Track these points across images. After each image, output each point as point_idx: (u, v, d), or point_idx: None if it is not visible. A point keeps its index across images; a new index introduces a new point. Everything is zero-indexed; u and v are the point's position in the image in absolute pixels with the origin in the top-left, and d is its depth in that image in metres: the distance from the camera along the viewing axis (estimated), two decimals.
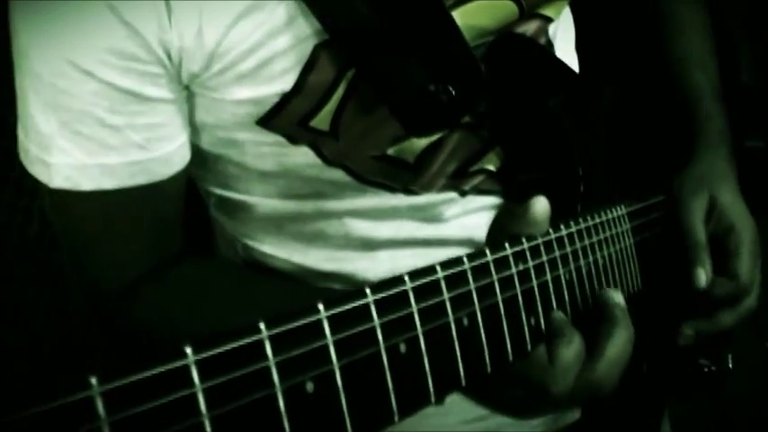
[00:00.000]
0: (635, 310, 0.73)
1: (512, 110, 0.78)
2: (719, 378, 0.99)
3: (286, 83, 0.69)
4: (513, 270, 0.60)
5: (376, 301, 0.46)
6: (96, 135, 0.68)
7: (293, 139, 0.74)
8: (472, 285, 0.55)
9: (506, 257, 0.60)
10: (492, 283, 0.58)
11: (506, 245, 0.61)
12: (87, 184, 0.70)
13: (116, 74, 0.65)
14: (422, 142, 0.78)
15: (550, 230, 0.67)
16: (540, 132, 0.80)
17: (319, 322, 0.43)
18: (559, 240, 0.68)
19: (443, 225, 0.85)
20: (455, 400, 0.86)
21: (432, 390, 0.50)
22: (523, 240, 0.63)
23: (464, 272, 0.55)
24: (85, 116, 0.67)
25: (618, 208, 0.82)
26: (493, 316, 0.57)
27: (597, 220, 0.76)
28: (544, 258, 0.65)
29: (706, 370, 0.98)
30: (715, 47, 1.03)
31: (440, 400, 0.51)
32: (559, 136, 0.80)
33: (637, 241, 0.85)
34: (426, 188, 0.82)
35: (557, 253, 0.67)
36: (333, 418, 0.43)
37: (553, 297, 0.66)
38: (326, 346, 0.43)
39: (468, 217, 0.85)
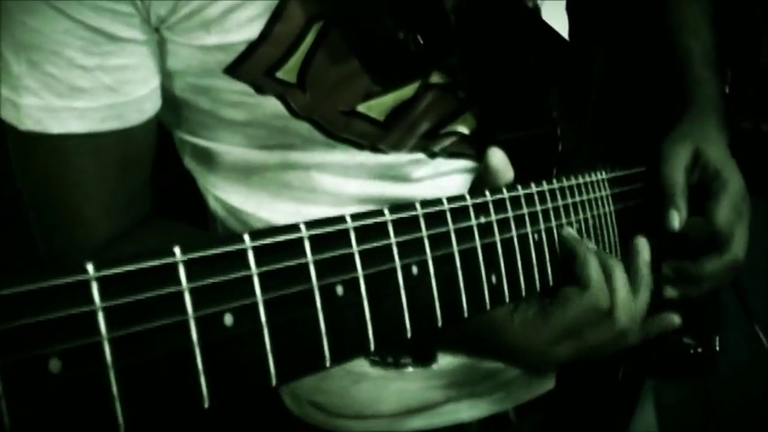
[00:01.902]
0: None
1: (487, 68, 0.79)
2: (705, 360, 0.98)
3: (252, 31, 0.71)
4: (473, 222, 0.59)
5: (311, 237, 0.45)
6: (67, 76, 0.69)
7: (260, 90, 0.75)
8: (424, 232, 0.54)
9: (466, 208, 0.59)
10: (448, 232, 0.56)
11: (466, 195, 0.60)
12: (56, 127, 0.70)
13: (88, 12, 0.66)
14: (392, 100, 0.78)
15: (519, 187, 0.67)
16: (517, 91, 0.80)
17: (243, 252, 0.42)
18: (528, 197, 0.67)
19: (413, 185, 0.85)
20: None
21: (371, 338, 0.49)
22: (486, 193, 0.62)
23: (416, 217, 0.54)
24: (56, 56, 0.68)
25: (598, 172, 0.82)
26: (447, 268, 0.56)
27: (573, 182, 0.75)
28: (509, 214, 0.64)
29: (691, 351, 0.98)
30: (712, 17, 1.03)
31: (380, 348, 0.50)
32: (537, 95, 0.80)
33: (618, 209, 0.85)
34: (395, 147, 0.82)
35: (524, 210, 0.66)
36: (253, 356, 0.42)
37: (519, 257, 0.65)
38: (250, 278, 0.42)
39: (440, 179, 0.86)
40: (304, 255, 0.45)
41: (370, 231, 0.50)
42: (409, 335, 0.52)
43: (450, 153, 0.85)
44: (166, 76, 0.76)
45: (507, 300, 0.63)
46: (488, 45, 0.79)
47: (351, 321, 0.48)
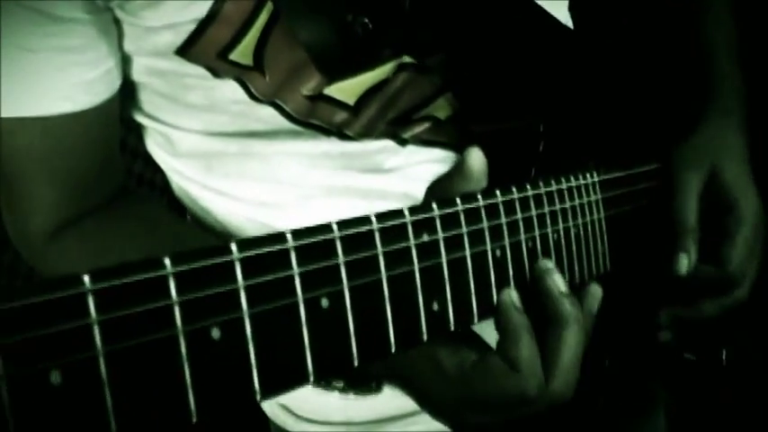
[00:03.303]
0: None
1: (469, 51, 0.83)
2: (709, 374, 1.04)
3: (200, 10, 0.77)
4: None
5: (297, 248, 0.51)
6: (13, 59, 0.75)
7: (216, 73, 0.82)
8: (412, 242, 0.60)
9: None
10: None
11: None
12: (4, 110, 0.77)
13: None
14: (366, 81, 0.84)
15: (498, 193, 0.69)
16: (500, 77, 0.84)
17: (231, 264, 0.48)
18: (490, 209, 0.68)
19: (383, 176, 0.92)
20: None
21: (355, 353, 0.55)
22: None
23: (405, 225, 0.60)
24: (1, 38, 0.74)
25: (588, 174, 0.84)
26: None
27: (553, 187, 0.77)
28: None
29: (693, 365, 1.03)
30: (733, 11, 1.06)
31: (364, 364, 0.56)
32: (523, 84, 0.84)
33: (609, 215, 0.87)
34: (363, 134, 0.89)
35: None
36: (239, 370, 0.48)
37: (493, 275, 0.68)
38: (237, 291, 0.47)
39: (413, 169, 0.92)
40: (290, 267, 0.51)
41: (358, 241, 0.56)
42: (393, 349, 0.58)
43: (424, 141, 0.91)
44: (124, 57, 0.82)
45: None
46: (472, 26, 0.83)
47: (335, 336, 0.54)
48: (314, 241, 0.53)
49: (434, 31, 0.82)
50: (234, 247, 0.48)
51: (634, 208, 0.93)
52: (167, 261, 0.45)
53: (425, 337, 0.62)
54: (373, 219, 0.58)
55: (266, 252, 0.50)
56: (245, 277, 0.48)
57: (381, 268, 0.57)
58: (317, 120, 0.87)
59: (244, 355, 0.48)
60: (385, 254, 0.58)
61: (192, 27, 0.78)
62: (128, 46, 0.82)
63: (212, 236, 0.95)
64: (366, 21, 0.74)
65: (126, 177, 1.03)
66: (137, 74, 0.85)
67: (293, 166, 0.91)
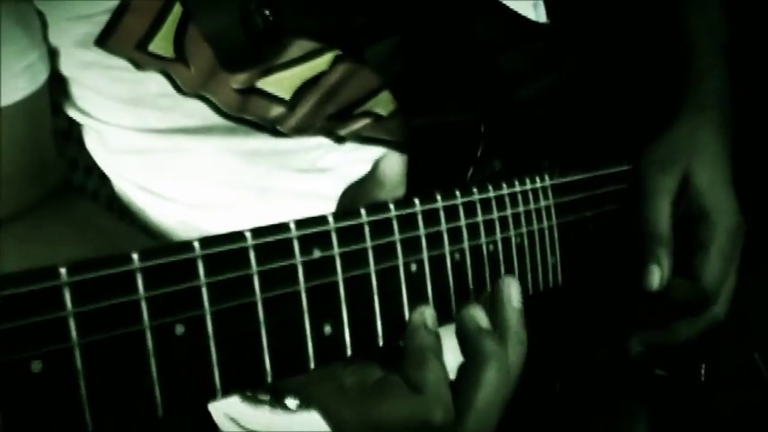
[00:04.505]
0: (546, 312, 0.82)
1: (413, 41, 0.87)
2: (685, 391, 1.09)
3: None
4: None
5: (256, 246, 0.59)
6: None
7: (139, 65, 0.89)
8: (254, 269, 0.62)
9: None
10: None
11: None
12: None
13: None
14: (303, 73, 0.91)
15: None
16: (445, 70, 0.88)
17: (194, 261, 0.55)
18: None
19: (319, 176, 0.99)
20: None
21: (311, 355, 0.63)
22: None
23: (361, 225, 0.67)
24: None
25: (539, 177, 0.86)
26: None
27: (492, 193, 0.79)
28: (396, 237, 0.69)
29: (665, 383, 1.07)
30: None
31: (320, 366, 0.63)
32: (469, 76, 0.87)
33: (563, 223, 0.89)
34: (299, 130, 0.95)
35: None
36: (201, 367, 0.55)
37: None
38: (199, 289, 0.55)
39: (351, 168, 0.97)
40: (249, 265, 0.59)
41: (315, 241, 0.63)
42: (349, 353, 0.66)
43: (364, 138, 0.97)
44: (52, 50, 0.89)
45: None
46: (410, 14, 0.88)
47: (292, 337, 0.61)
48: (272, 240, 0.61)
49: (367, 21, 0.86)
50: (196, 244, 0.56)
51: (597, 214, 0.95)
52: (135, 256, 0.53)
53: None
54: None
55: (227, 250, 0.58)
56: (206, 274, 0.56)
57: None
58: (250, 115, 0.93)
59: (205, 353, 0.56)
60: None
61: (107, 17, 0.85)
62: (53, 38, 0.88)
63: (149, 238, 1.02)
64: (267, 12, 0.79)
65: (70, 173, 1.11)
66: (65, 67, 0.92)
67: (226, 165, 0.98)
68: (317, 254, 0.63)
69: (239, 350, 0.58)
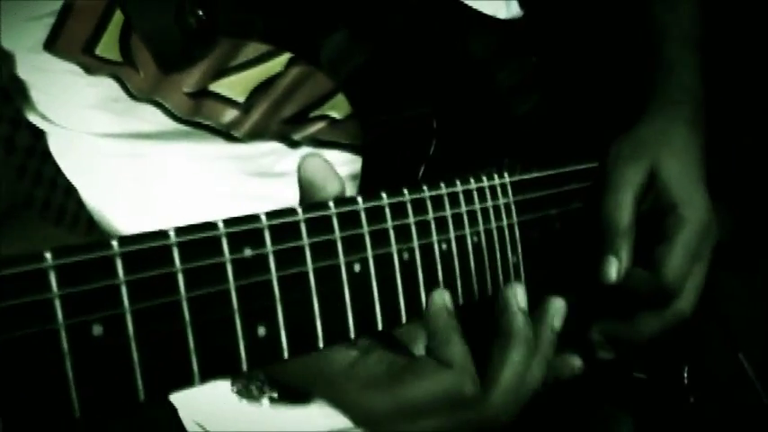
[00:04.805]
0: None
1: (366, 41, 0.87)
2: (666, 394, 1.08)
3: (56, 2, 0.85)
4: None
5: (180, 244, 0.58)
6: None
7: (88, 69, 0.90)
8: (306, 241, 0.66)
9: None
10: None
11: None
12: None
13: None
14: (257, 76, 0.91)
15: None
16: (398, 69, 0.87)
17: (112, 259, 0.54)
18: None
19: (275, 181, 0.98)
20: None
21: (243, 356, 0.61)
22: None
23: (297, 223, 0.66)
24: None
25: (496, 175, 0.84)
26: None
27: (444, 191, 0.78)
28: (336, 235, 0.68)
29: (645, 386, 1.07)
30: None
31: (252, 369, 0.62)
32: (417, 75, 0.87)
33: (524, 221, 0.87)
34: (254, 134, 0.96)
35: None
36: (122, 370, 0.54)
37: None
38: (118, 287, 0.54)
39: None
40: (172, 263, 0.58)
41: (246, 238, 0.62)
42: (286, 356, 0.64)
43: (320, 142, 0.98)
44: (7, 54, 0.90)
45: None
46: (370, 11, 0.87)
47: (220, 338, 0.60)
48: (198, 238, 0.60)
49: (316, 21, 0.86)
50: (114, 242, 0.55)
51: (563, 212, 0.95)
52: (48, 255, 0.52)
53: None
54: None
55: (148, 248, 0.57)
56: (126, 272, 0.55)
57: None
58: (204, 119, 0.94)
59: (126, 355, 0.55)
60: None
61: (52, 20, 0.86)
62: (6, 43, 0.89)
63: None
64: (200, 12, 0.79)
65: (32, 188, 1.11)
66: (22, 72, 0.93)
67: (182, 170, 0.98)
68: (248, 252, 0.62)
69: (163, 351, 0.57)
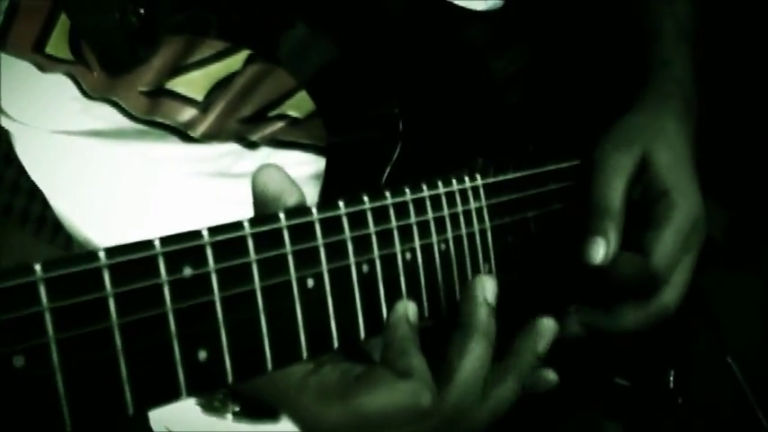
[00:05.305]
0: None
1: (329, 37, 0.84)
2: (650, 400, 1.05)
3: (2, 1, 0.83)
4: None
5: (111, 266, 0.54)
6: None
7: (42, 68, 0.88)
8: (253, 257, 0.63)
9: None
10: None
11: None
12: None
13: None
14: (215, 73, 0.90)
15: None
16: (362, 66, 0.85)
17: (34, 285, 0.51)
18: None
19: (234, 181, 0.97)
20: None
21: (183, 383, 0.58)
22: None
23: (244, 238, 0.62)
24: None
25: (467, 178, 0.81)
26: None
27: (408, 197, 0.74)
28: (287, 249, 0.64)
29: (628, 392, 1.04)
30: None
31: (191, 395, 0.59)
32: (385, 72, 0.84)
33: (497, 225, 0.84)
34: (212, 134, 0.94)
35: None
36: (47, 405, 0.51)
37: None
38: (42, 314, 0.51)
39: None
40: (102, 288, 0.54)
41: (186, 256, 0.59)
42: (230, 380, 0.61)
43: (280, 142, 0.96)
44: None
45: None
46: (329, 5, 0.85)
47: (157, 364, 0.57)
48: (132, 259, 0.56)
49: (272, 16, 0.84)
50: (38, 267, 0.51)
51: (542, 214, 0.92)
52: None
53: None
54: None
55: (74, 272, 0.53)
56: (50, 299, 0.51)
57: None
58: (162, 117, 0.92)
59: (51, 384, 0.51)
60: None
61: (1, 18, 0.84)
62: None
63: None
64: (141, 10, 0.77)
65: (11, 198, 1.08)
66: None
67: (139, 171, 0.96)
68: (187, 272, 0.58)
69: (92, 380, 0.53)
